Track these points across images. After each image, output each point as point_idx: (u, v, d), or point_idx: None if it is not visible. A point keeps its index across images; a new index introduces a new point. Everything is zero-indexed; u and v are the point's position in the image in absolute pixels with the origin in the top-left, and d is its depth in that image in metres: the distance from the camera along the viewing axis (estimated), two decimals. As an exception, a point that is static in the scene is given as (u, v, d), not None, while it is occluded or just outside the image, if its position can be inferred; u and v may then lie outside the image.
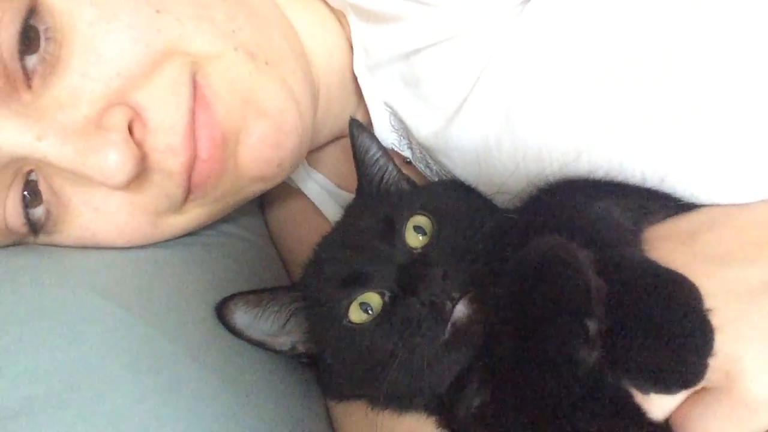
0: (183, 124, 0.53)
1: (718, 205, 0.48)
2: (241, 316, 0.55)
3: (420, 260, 0.49)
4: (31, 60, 0.50)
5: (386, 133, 0.70)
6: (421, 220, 0.52)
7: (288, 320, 0.56)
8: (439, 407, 0.51)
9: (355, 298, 0.50)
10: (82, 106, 0.51)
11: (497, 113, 0.56)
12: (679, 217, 0.48)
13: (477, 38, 0.57)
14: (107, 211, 0.55)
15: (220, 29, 0.57)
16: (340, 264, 0.52)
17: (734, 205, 0.47)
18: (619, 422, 0.40)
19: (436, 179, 0.69)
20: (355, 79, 0.69)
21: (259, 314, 0.55)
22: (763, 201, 0.46)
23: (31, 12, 0.49)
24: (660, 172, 0.49)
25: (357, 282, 0.50)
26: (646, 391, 0.40)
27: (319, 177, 0.79)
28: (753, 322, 0.40)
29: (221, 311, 0.55)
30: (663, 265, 0.42)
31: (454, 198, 0.57)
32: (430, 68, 0.60)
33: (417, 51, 0.60)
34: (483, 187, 0.60)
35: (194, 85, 0.55)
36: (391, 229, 0.51)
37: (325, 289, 0.52)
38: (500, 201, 0.59)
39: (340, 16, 0.68)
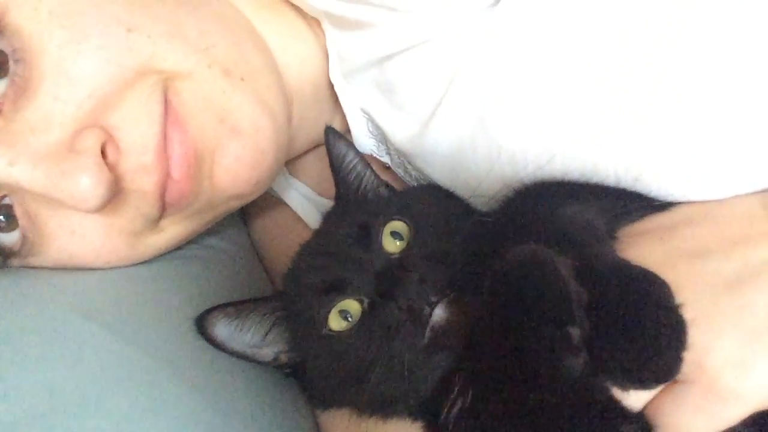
0: (155, 142, 0.53)
1: (696, 202, 0.48)
2: (221, 329, 0.55)
3: (397, 265, 0.49)
4: (0, 84, 0.50)
5: (364, 139, 0.70)
6: (397, 225, 0.52)
7: (269, 331, 0.55)
8: (424, 412, 0.51)
9: (333, 306, 0.50)
10: (55, 130, 0.50)
11: (471, 116, 0.56)
12: (658, 214, 0.48)
13: (448, 42, 0.57)
14: (83, 233, 0.54)
15: (194, 46, 0.56)
16: (318, 272, 0.52)
17: (712, 201, 0.47)
18: (599, 417, 0.40)
19: (415, 183, 0.69)
20: (331, 86, 0.69)
21: (240, 326, 0.55)
22: (739, 196, 0.47)
23: None
24: (634, 171, 0.50)
25: (335, 289, 0.50)
26: (624, 387, 0.40)
27: (299, 185, 0.79)
28: (727, 314, 0.40)
29: (201, 324, 0.54)
30: (635, 263, 0.42)
31: (431, 202, 0.57)
32: (403, 74, 0.61)
33: (389, 57, 0.60)
34: (460, 190, 0.61)
35: (166, 103, 0.54)
36: (368, 236, 0.51)
37: (304, 298, 0.52)
38: (477, 204, 0.59)
39: (314, 25, 0.68)
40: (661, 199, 0.49)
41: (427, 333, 0.46)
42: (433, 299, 0.46)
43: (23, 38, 0.49)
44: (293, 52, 0.68)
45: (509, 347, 0.40)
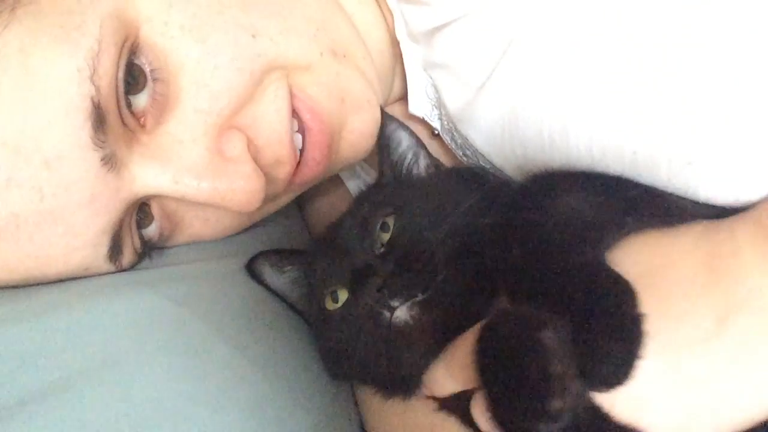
0: (287, 136, 0.57)
1: (658, 250, 0.45)
2: (269, 275, 0.61)
3: (367, 268, 0.52)
4: (140, 99, 0.52)
5: (421, 102, 0.70)
6: (389, 220, 0.54)
7: (293, 282, 0.61)
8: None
9: (325, 291, 0.55)
10: (202, 139, 0.53)
11: (524, 87, 0.55)
12: (626, 254, 0.45)
13: (505, 10, 0.55)
14: (216, 219, 0.60)
15: (305, 36, 0.59)
16: (323, 256, 0.57)
17: (671, 251, 0.45)
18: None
19: (460, 152, 0.69)
20: (393, 47, 0.70)
21: (282, 274, 0.62)
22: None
23: (134, 53, 0.51)
24: (685, 157, 0.47)
25: (327, 276, 0.55)
26: (590, 389, 0.40)
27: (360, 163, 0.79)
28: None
29: (251, 268, 0.61)
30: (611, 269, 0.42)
31: (442, 191, 0.58)
32: (455, 42, 0.60)
33: (442, 26, 0.60)
34: (504, 161, 0.60)
35: (292, 96, 0.58)
36: (366, 229, 0.54)
37: (315, 272, 0.57)
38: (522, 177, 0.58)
39: None
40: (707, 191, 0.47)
41: (391, 333, 0.49)
42: (394, 303, 0.49)
43: (159, 56, 0.51)
44: (363, 16, 0.69)
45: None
